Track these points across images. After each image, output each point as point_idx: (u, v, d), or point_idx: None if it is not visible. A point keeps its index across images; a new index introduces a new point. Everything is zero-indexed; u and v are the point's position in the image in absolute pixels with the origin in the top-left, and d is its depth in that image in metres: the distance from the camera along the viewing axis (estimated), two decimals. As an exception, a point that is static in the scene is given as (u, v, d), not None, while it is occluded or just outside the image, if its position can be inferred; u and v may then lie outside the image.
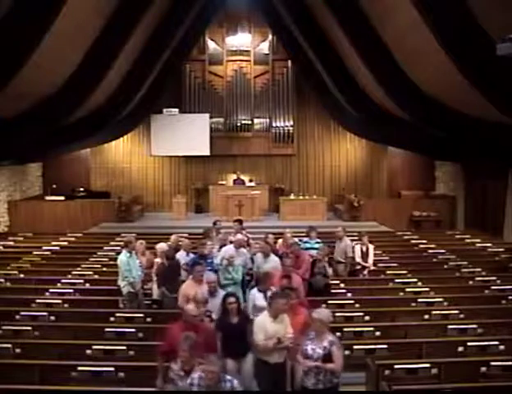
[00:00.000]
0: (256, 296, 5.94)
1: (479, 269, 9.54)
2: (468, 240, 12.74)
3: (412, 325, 6.77)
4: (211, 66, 17.78)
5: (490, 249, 11.56)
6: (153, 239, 10.66)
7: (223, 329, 5.24)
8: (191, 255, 7.90)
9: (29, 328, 6.44)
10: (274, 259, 7.43)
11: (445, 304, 7.60)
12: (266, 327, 4.92)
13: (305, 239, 8.96)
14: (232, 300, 5.33)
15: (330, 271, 8.08)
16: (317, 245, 8.66)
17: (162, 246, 7.76)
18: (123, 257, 7.35)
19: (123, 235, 12.92)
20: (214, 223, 9.58)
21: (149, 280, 7.95)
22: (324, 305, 7.43)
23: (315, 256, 7.96)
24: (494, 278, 8.93)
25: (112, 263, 10.12)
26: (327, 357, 4.37)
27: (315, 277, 7.65)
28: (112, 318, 6.93)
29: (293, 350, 4.84)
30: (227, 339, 5.19)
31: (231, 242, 8.12)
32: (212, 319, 5.55)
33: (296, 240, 8.85)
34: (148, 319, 6.95)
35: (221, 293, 5.91)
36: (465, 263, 10.04)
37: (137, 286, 7.37)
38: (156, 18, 11.71)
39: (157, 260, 7.62)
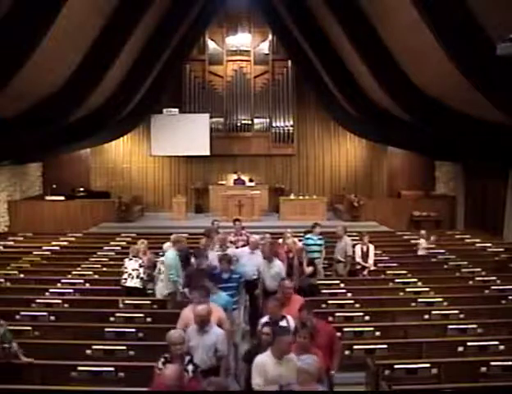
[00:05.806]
0: None
1: (479, 269, 9.53)
2: (468, 240, 12.74)
3: (412, 325, 6.76)
4: (211, 66, 17.79)
5: (490, 249, 11.56)
6: (153, 239, 10.67)
7: (251, 363, 4.32)
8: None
9: (29, 328, 6.43)
10: (278, 264, 7.20)
11: (445, 304, 7.59)
12: (266, 369, 4.07)
13: (308, 235, 8.94)
14: (268, 330, 4.44)
15: (308, 270, 7.83)
16: (319, 242, 8.68)
17: (169, 246, 7.66)
18: (171, 255, 7.18)
19: (123, 235, 12.97)
20: (212, 223, 9.53)
21: (150, 280, 7.90)
22: (324, 305, 7.47)
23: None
24: (494, 278, 8.93)
25: (112, 263, 10.14)
26: None
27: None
28: (111, 318, 6.91)
29: None
30: None
31: (231, 242, 8.09)
32: (197, 367, 4.21)
33: (296, 240, 8.86)
34: (148, 319, 6.94)
35: (216, 330, 4.73)
36: (465, 263, 10.03)
37: (179, 286, 7.23)
38: (156, 18, 11.71)
39: (163, 259, 7.51)
